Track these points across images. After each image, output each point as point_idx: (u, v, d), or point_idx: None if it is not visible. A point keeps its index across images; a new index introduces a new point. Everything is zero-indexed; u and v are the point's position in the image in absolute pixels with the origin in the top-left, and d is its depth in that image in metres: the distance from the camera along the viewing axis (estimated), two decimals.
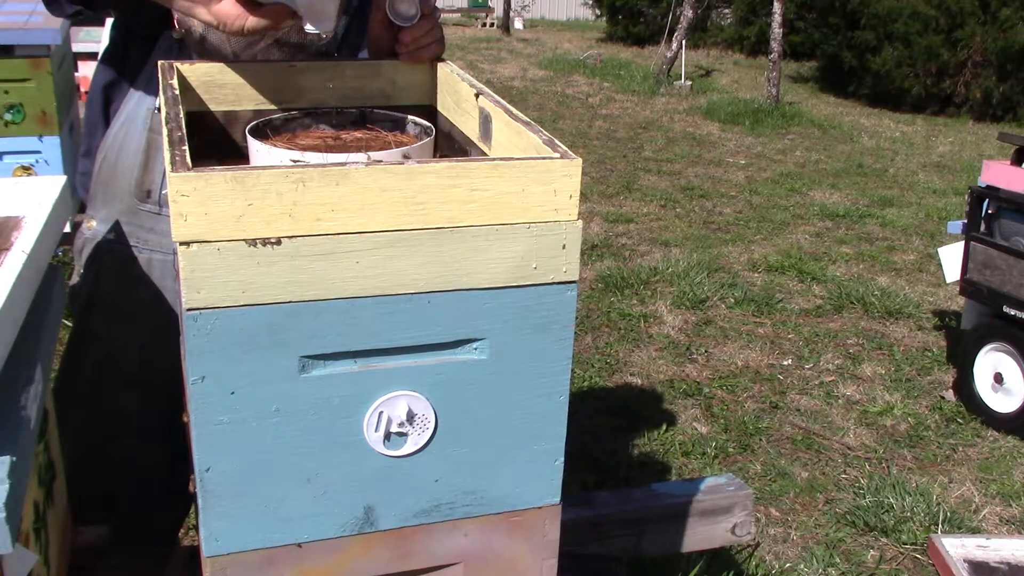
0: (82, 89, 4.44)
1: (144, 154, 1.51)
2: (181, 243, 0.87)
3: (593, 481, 2.90)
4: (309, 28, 1.19)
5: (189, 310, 0.88)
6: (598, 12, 17.28)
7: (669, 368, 3.84)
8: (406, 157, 1.14)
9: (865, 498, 2.95)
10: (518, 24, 17.04)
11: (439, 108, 1.39)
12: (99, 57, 1.60)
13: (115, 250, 1.55)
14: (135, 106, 1.52)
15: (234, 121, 1.32)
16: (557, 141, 1.01)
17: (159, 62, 1.27)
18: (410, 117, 1.31)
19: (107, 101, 1.57)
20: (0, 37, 3.04)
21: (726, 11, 15.71)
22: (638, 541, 1.67)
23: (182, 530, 2.11)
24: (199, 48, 1.48)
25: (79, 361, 1.61)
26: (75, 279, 1.60)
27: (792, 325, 4.34)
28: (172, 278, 1.51)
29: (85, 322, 1.59)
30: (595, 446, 3.14)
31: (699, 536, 1.72)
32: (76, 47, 4.19)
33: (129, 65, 1.54)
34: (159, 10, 1.32)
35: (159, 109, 1.39)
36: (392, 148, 1.16)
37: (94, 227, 1.57)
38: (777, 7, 9.74)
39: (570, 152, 0.97)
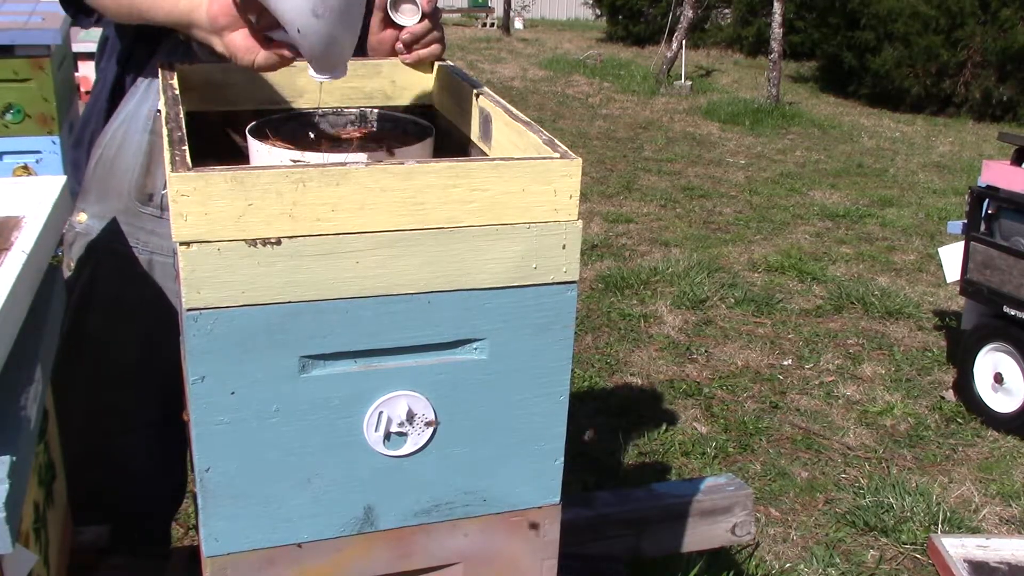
0: (82, 89, 4.44)
1: (146, 156, 1.50)
2: (181, 243, 0.87)
3: (593, 481, 2.90)
4: (314, 75, 1.17)
5: (189, 310, 0.88)
6: (598, 12, 17.26)
7: (669, 368, 3.83)
8: (403, 156, 1.14)
9: (865, 498, 2.95)
10: (518, 24, 17.03)
11: (439, 108, 1.38)
12: (104, 51, 1.58)
13: (112, 249, 1.53)
14: (136, 105, 1.51)
15: (234, 121, 1.32)
16: (557, 141, 1.01)
17: (159, 62, 1.27)
18: (410, 117, 1.31)
19: (117, 97, 1.55)
20: (0, 37, 3.04)
21: (726, 11, 15.69)
22: (638, 541, 1.67)
23: (182, 530, 2.11)
24: (205, 50, 1.47)
25: (75, 359, 1.59)
26: (65, 273, 1.58)
27: (792, 325, 4.34)
28: (173, 279, 1.50)
29: (80, 320, 1.57)
30: (595, 446, 3.14)
31: (699, 536, 1.72)
32: (76, 47, 4.18)
33: (133, 63, 1.53)
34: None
35: (161, 111, 1.38)
36: (391, 148, 1.16)
37: (85, 221, 1.55)
38: (777, 7, 9.74)
39: (570, 152, 0.97)
